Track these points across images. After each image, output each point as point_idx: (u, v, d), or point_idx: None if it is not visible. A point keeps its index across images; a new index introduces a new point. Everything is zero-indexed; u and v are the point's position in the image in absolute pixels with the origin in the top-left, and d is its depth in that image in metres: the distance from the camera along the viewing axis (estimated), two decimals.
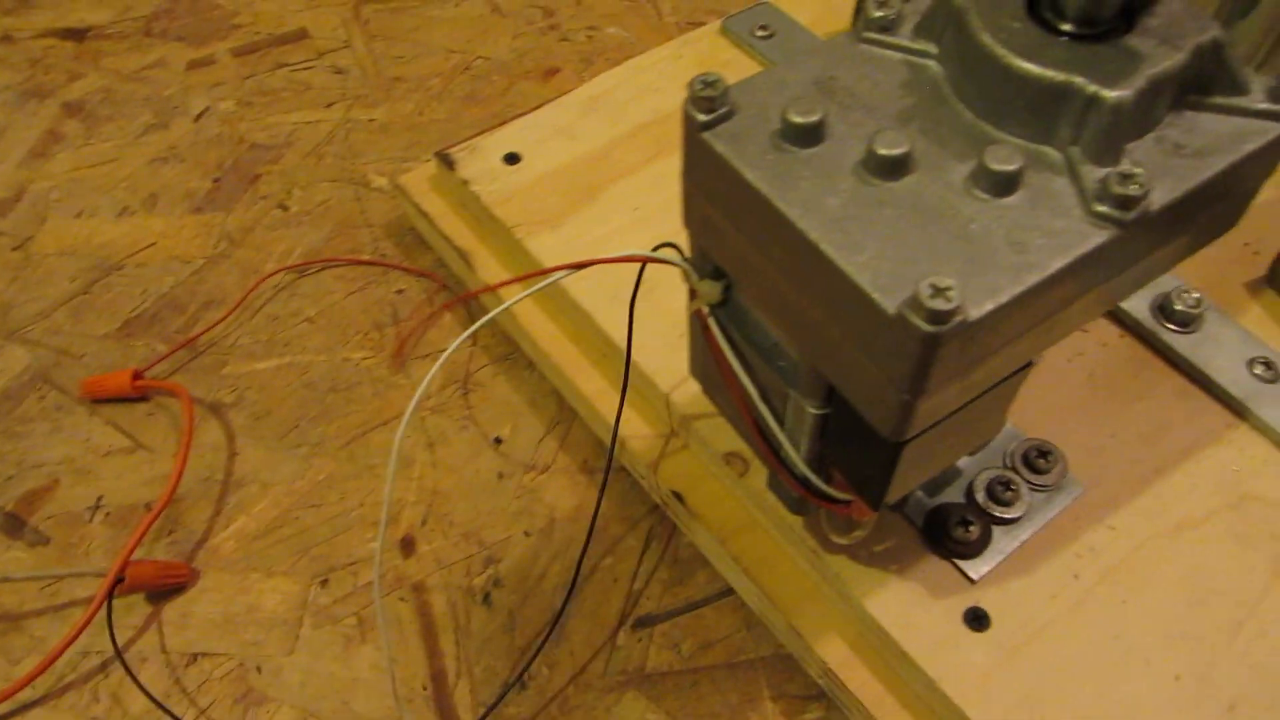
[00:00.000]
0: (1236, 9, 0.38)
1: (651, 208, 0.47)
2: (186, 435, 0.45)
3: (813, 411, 0.28)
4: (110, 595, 0.39)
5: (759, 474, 0.38)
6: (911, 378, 0.22)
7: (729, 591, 0.40)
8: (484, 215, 0.48)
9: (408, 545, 0.42)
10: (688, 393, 0.40)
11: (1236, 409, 0.40)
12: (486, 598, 0.41)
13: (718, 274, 0.30)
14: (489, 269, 0.48)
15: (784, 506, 0.37)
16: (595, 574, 0.41)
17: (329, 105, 0.61)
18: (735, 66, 0.54)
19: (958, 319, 0.21)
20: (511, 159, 0.49)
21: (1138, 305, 0.42)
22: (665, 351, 0.41)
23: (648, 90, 0.53)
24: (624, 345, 0.38)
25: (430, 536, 0.42)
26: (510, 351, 0.49)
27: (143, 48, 0.64)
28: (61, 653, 0.38)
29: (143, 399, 0.47)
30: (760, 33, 0.55)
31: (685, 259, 0.30)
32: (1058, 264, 0.22)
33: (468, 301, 0.51)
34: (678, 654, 0.39)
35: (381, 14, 0.66)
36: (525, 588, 0.41)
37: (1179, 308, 0.42)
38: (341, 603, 0.41)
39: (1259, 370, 0.40)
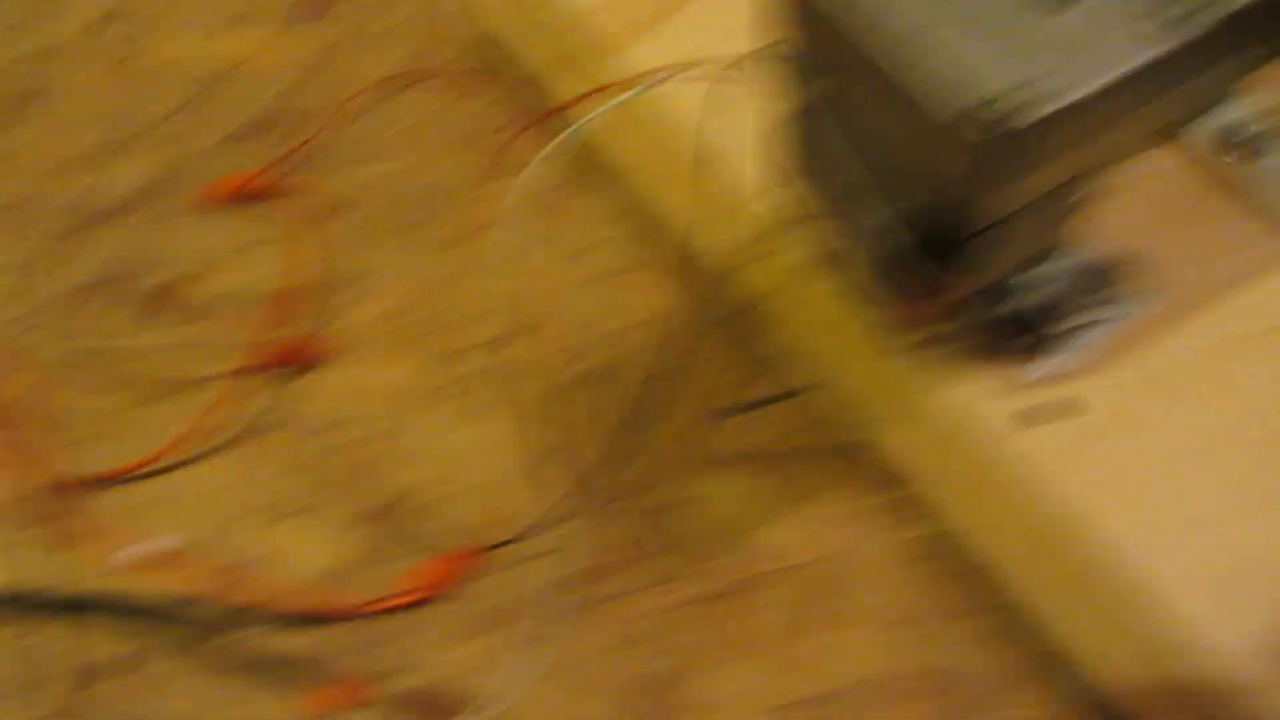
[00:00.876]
0: None
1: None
2: (303, 233, 0.48)
3: (903, 203, 0.30)
4: (248, 370, 0.45)
5: (839, 276, 0.40)
6: (968, 178, 0.24)
7: (810, 388, 0.43)
8: (573, 22, 0.48)
9: (503, 341, 0.46)
10: (775, 198, 0.41)
11: None
12: (579, 387, 0.44)
13: (819, 71, 0.31)
14: (582, 76, 0.49)
15: (867, 298, 0.39)
16: (680, 372, 0.44)
17: None
18: None
19: (1008, 126, 0.22)
20: None
21: (1206, 127, 0.41)
22: (755, 156, 0.42)
23: None
24: (715, 154, 0.39)
25: (525, 334, 0.46)
26: (600, 161, 0.50)
27: None
28: (205, 421, 0.44)
29: (260, 200, 0.51)
30: None
31: (789, 55, 0.31)
32: (1114, 74, 0.23)
33: (559, 112, 0.52)
34: (761, 442, 0.42)
35: None
36: (612, 382, 0.44)
37: (1252, 130, 0.41)
38: (454, 383, 0.45)
39: None
